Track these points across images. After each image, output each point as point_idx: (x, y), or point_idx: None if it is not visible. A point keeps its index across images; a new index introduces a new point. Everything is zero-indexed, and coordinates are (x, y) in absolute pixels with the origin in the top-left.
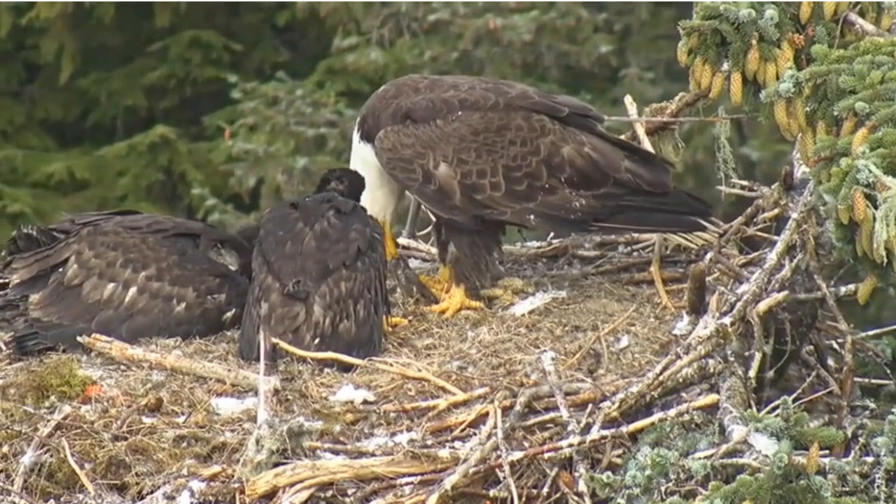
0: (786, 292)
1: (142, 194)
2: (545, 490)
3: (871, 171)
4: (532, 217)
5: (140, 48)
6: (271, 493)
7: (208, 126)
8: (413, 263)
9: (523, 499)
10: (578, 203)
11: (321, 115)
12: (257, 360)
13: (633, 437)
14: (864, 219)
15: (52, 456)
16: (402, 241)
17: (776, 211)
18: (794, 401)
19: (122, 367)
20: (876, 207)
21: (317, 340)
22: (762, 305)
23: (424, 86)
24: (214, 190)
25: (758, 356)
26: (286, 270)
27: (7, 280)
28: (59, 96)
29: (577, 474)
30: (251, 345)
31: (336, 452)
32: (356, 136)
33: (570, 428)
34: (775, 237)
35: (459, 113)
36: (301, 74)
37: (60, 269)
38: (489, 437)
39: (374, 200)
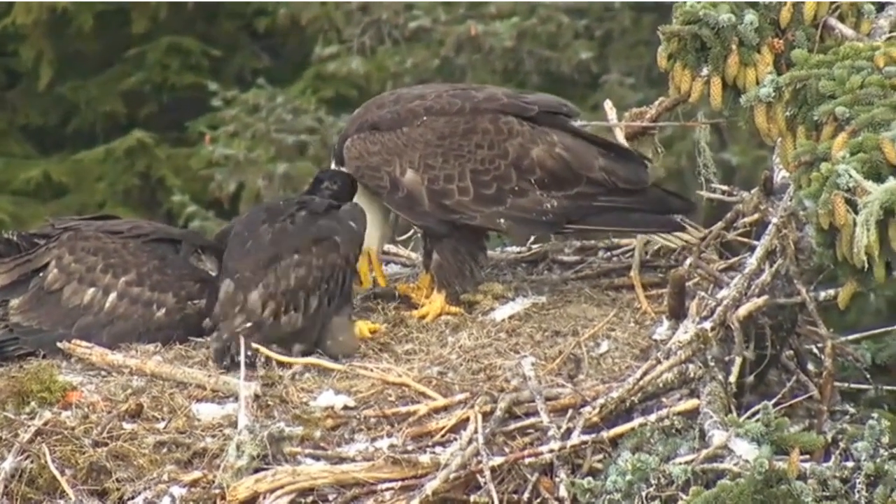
0: (766, 297)
1: (119, 200)
2: (526, 495)
3: (851, 176)
4: (503, 220)
5: (118, 55)
6: (252, 499)
7: (192, 132)
8: (392, 269)
9: None
10: (550, 204)
11: (302, 121)
12: (223, 363)
13: (614, 442)
14: (844, 224)
15: (32, 462)
16: None
17: (756, 216)
18: (775, 406)
19: (103, 373)
20: (856, 212)
21: (248, 324)
22: (742, 310)
23: (390, 100)
24: (194, 196)
25: (738, 361)
26: (236, 265)
27: None
28: (39, 103)
29: (557, 479)
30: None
31: (317, 458)
32: (332, 165)
33: (550, 433)
34: (755, 242)
35: (424, 118)
36: (281, 81)
37: (41, 274)
38: (470, 442)
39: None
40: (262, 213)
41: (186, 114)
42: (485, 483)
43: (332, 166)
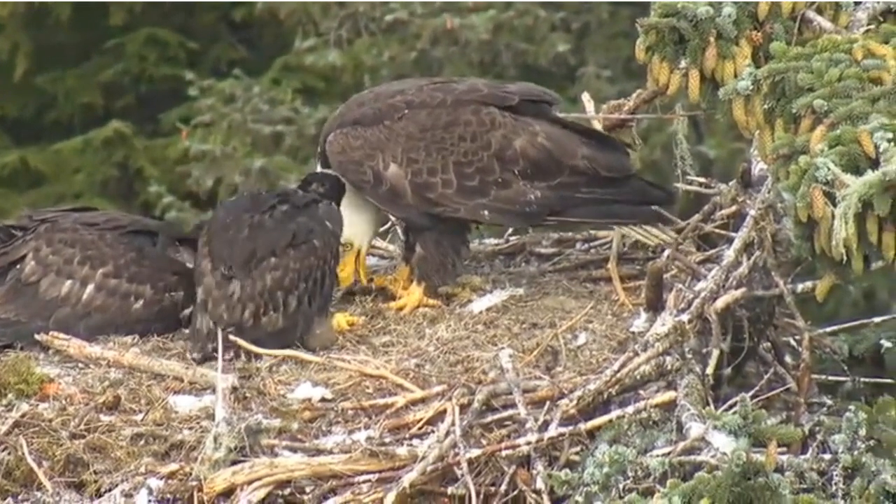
0: (743, 289)
1: (97, 190)
2: (503, 488)
3: (829, 169)
4: (486, 213)
5: (96, 46)
6: (229, 491)
7: (165, 123)
8: (371, 261)
9: (481, 496)
10: (533, 195)
11: (278, 112)
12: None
13: (591, 434)
14: (822, 216)
15: (9, 454)
16: None
17: (734, 208)
18: (752, 398)
19: (80, 365)
20: (834, 205)
21: (230, 327)
22: (720, 302)
23: (370, 97)
24: (171, 187)
25: (715, 353)
26: (220, 255)
27: None
28: (15, 94)
29: (535, 472)
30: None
31: (294, 450)
32: (318, 166)
33: (527, 425)
34: (733, 234)
35: (406, 112)
36: (258, 72)
37: (18, 266)
38: (447, 434)
39: (350, 226)
40: (247, 201)
41: (164, 105)
42: (462, 475)
43: (318, 167)
